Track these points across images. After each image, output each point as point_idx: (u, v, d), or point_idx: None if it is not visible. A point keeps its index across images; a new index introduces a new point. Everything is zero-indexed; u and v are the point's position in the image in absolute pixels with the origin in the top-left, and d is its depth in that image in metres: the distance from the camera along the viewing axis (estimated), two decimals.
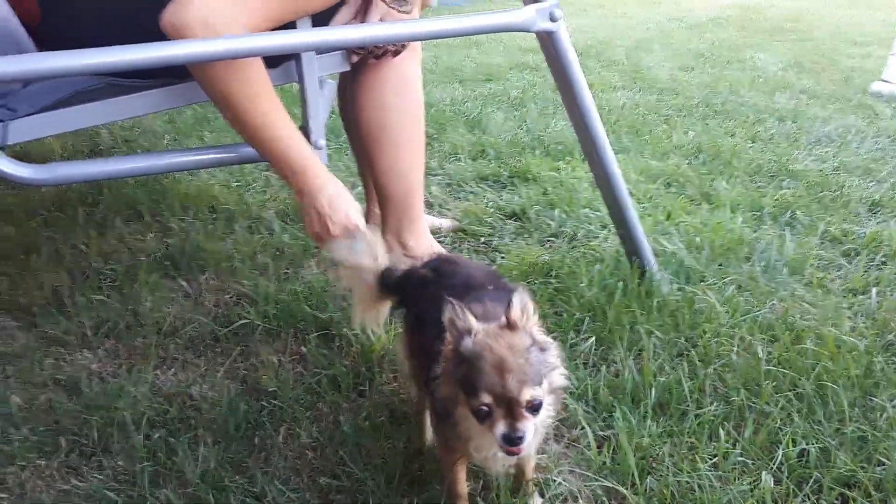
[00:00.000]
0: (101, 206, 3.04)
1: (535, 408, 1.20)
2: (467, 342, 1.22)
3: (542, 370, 1.22)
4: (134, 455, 1.67)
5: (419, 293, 1.60)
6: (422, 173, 2.44)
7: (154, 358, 2.05)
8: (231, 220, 2.89)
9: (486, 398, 1.18)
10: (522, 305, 1.25)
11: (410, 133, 2.37)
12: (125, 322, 2.21)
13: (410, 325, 1.64)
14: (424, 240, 2.49)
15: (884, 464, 1.59)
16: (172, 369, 2.02)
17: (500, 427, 1.18)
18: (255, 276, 2.43)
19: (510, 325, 1.25)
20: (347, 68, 2.22)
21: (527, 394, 1.18)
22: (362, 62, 2.23)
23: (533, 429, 1.20)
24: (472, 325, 1.23)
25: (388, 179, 2.37)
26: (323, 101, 2.08)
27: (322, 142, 2.05)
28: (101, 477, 1.63)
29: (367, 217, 2.86)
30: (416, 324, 1.62)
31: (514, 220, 2.94)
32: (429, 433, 1.70)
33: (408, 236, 2.44)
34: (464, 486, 1.49)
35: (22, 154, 3.39)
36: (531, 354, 1.22)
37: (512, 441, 1.18)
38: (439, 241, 2.63)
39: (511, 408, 1.17)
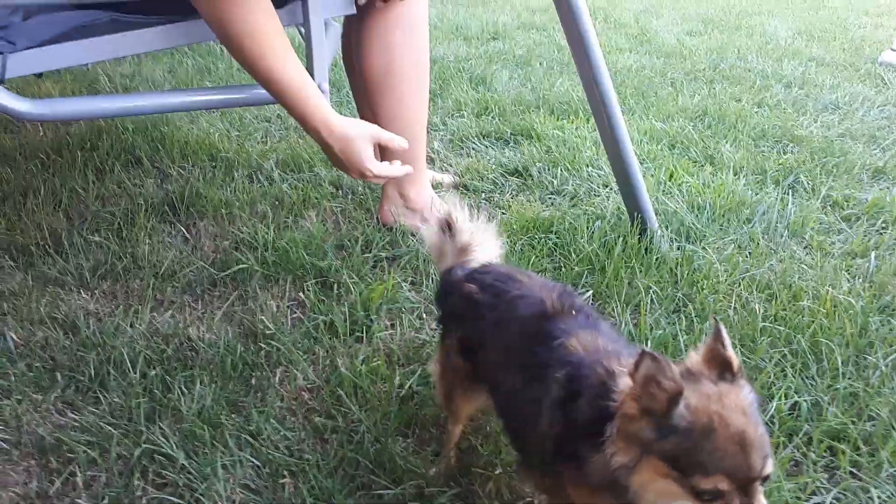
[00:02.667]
0: (99, 151, 3.01)
1: (767, 479, 1.00)
2: (682, 411, 0.96)
3: None
4: (130, 391, 1.68)
5: (470, 316, 1.40)
6: (425, 123, 2.42)
7: (151, 300, 2.06)
8: (230, 169, 2.87)
9: (723, 483, 0.95)
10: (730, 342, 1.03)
11: (415, 80, 2.33)
12: (123, 264, 2.21)
13: (457, 350, 1.44)
14: (425, 192, 2.48)
15: (874, 419, 1.60)
16: (170, 311, 2.02)
17: None
18: (254, 223, 2.43)
19: (728, 375, 1.02)
20: (353, 11, 2.18)
21: (769, 467, 0.98)
22: (370, 4, 2.19)
23: None
24: (682, 385, 0.97)
25: (391, 128, 2.34)
26: (327, 45, 2.05)
27: (325, 85, 2.02)
28: (97, 411, 1.64)
29: None
30: (464, 351, 1.42)
31: (516, 178, 2.92)
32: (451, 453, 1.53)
33: (409, 187, 2.42)
34: None
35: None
36: (758, 413, 1.01)
37: None
38: (440, 197, 2.61)
39: (748, 487, 0.97)
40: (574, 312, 1.27)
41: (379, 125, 2.39)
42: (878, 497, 1.42)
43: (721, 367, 1.02)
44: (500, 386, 1.33)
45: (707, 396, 0.97)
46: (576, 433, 1.10)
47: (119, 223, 2.44)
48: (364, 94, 2.42)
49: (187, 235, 2.39)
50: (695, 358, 1.06)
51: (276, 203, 2.60)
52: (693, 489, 0.96)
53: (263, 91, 1.81)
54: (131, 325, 1.93)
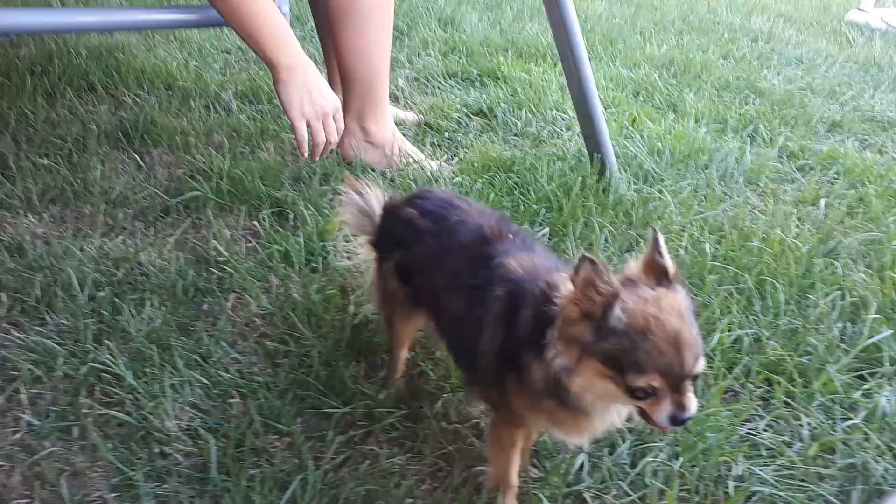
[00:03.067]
0: (50, 75, 2.90)
1: (697, 377, 1.03)
2: (618, 313, 0.99)
3: None
4: (78, 313, 1.66)
5: (409, 241, 1.40)
6: (387, 56, 2.37)
7: (101, 225, 2.01)
8: (187, 98, 2.79)
9: (656, 380, 0.99)
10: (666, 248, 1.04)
11: (380, 13, 2.28)
12: (73, 190, 2.15)
13: (395, 274, 1.44)
14: (387, 127, 2.45)
15: (810, 353, 1.66)
16: (121, 237, 1.98)
17: (666, 408, 1.01)
18: (210, 153, 2.38)
19: (665, 281, 1.04)
20: None
21: (700, 366, 1.02)
22: None
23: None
24: (618, 288, 1.00)
25: (353, 58, 2.30)
26: None
27: (286, 9, 1.97)
28: (43, 331, 1.62)
29: None
30: (403, 275, 1.42)
31: (480, 118, 2.91)
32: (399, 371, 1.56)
33: (370, 121, 2.39)
34: (516, 473, 1.28)
35: None
36: (693, 316, 1.03)
37: (681, 422, 1.02)
38: (402, 134, 2.58)
39: (679, 385, 1.00)
40: (511, 236, 1.30)
41: (339, 55, 2.34)
42: (808, 424, 1.48)
43: (658, 274, 1.04)
44: (444, 309, 1.35)
45: (644, 300, 1.00)
46: (517, 343, 1.12)
47: (70, 148, 2.37)
48: (327, 28, 2.37)
49: (141, 163, 2.34)
50: (633, 266, 1.08)
51: (234, 133, 2.55)
52: (628, 387, 1.00)
53: (214, 13, 1.76)
54: (81, 249, 1.89)
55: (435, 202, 1.42)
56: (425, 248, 1.37)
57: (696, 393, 1.03)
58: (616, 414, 1.15)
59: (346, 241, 1.81)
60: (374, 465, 1.35)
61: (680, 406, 1.00)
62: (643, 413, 1.05)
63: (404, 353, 1.55)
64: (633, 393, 1.00)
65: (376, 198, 1.60)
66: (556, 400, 1.09)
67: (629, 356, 0.99)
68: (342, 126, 2.02)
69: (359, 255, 1.73)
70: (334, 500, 1.27)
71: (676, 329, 0.98)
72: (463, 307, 1.26)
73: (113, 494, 1.28)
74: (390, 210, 1.50)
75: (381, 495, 1.29)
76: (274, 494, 1.27)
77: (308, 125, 1.93)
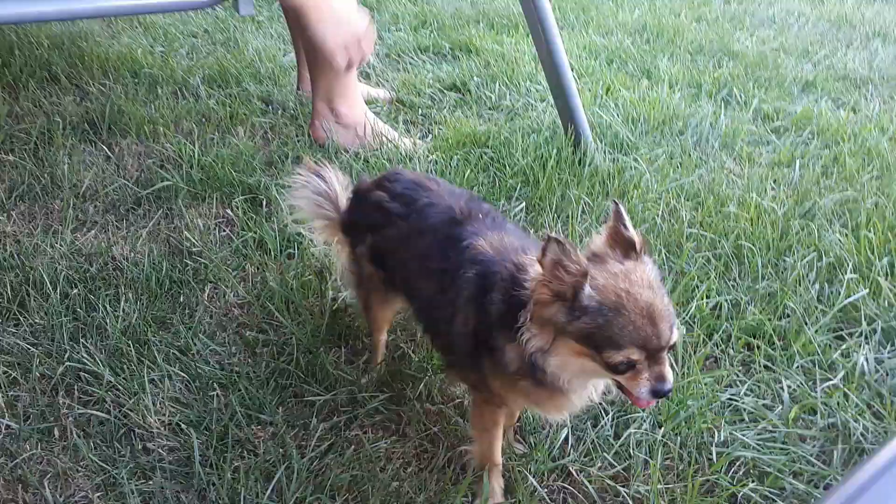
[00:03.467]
0: (12, 67, 2.82)
1: (673, 347, 1.03)
2: (589, 292, 0.98)
3: None
4: (52, 311, 1.63)
5: (381, 224, 1.38)
6: None
7: (72, 220, 1.97)
8: (154, 86, 2.73)
9: (635, 353, 0.98)
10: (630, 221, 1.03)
11: None
12: (41, 185, 2.11)
13: (370, 258, 1.43)
14: (358, 107, 2.41)
15: (788, 316, 1.67)
16: (92, 231, 1.95)
17: (646, 382, 1.00)
18: (180, 140, 2.33)
19: (633, 254, 1.03)
20: None
21: (675, 335, 1.01)
22: None
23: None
24: (587, 266, 0.98)
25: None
26: None
27: None
28: (16, 332, 1.59)
29: (299, 83, 2.75)
30: (377, 259, 1.41)
31: (454, 93, 2.87)
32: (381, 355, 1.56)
33: (340, 102, 2.35)
34: (500, 451, 1.28)
35: None
36: (663, 286, 1.02)
37: (662, 394, 1.02)
38: (374, 113, 2.55)
39: (656, 355, 1.00)
40: (481, 216, 1.28)
41: (307, 33, 2.29)
42: (789, 386, 1.49)
43: (624, 247, 1.04)
44: (417, 292, 1.34)
45: (614, 275, 1.00)
46: (490, 325, 1.12)
47: (35, 142, 2.31)
48: (294, 8, 2.31)
49: (109, 154, 2.29)
50: (598, 241, 1.07)
51: (203, 119, 2.50)
52: (607, 363, 1.00)
53: None
54: (51, 246, 1.86)
55: (404, 184, 1.40)
56: (396, 232, 1.35)
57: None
58: (593, 390, 1.15)
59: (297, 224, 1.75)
60: (359, 450, 1.35)
61: (659, 377, 1.01)
62: (622, 388, 1.05)
63: (384, 336, 1.55)
64: (612, 368, 1.00)
65: (337, 179, 1.56)
66: (532, 380, 1.08)
67: (605, 333, 0.98)
68: (374, 36, 2.05)
69: (316, 242, 1.70)
70: (320, 488, 1.27)
71: (649, 301, 0.98)
72: (435, 290, 1.25)
73: (97, 494, 1.27)
74: (360, 194, 1.48)
75: (367, 480, 1.29)
76: (259, 485, 1.27)
77: (347, 51, 1.99)
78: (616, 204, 1.05)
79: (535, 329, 1.03)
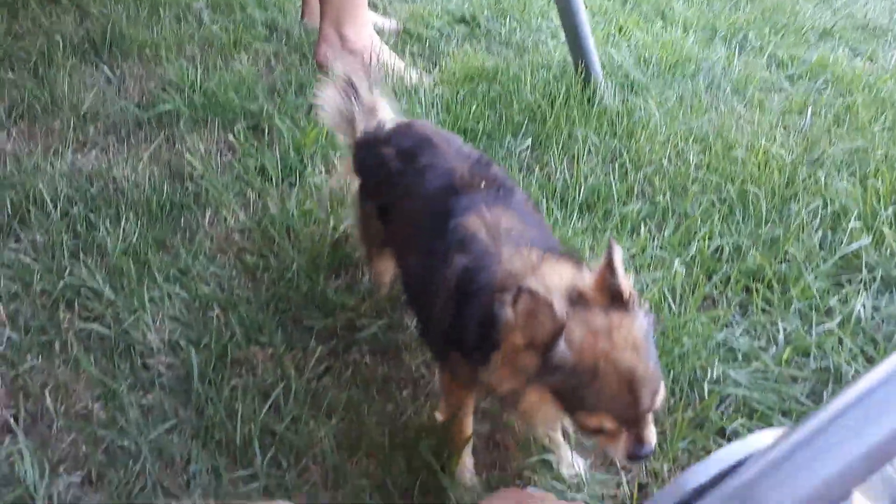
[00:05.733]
0: None
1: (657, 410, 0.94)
2: (563, 349, 0.88)
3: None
4: (52, 228, 1.63)
5: (385, 182, 1.31)
6: None
7: (73, 141, 1.96)
8: (156, 8, 2.67)
9: (609, 421, 0.90)
10: (623, 264, 0.92)
11: None
12: (41, 104, 2.08)
13: (376, 215, 1.36)
14: (365, 32, 2.35)
15: (789, 261, 1.67)
16: (93, 152, 1.93)
17: (622, 446, 0.93)
18: (182, 65, 2.29)
19: (620, 303, 0.92)
20: None
21: (658, 401, 0.92)
22: None
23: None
24: (562, 318, 0.87)
25: None
26: None
27: None
28: (17, 247, 1.59)
29: (304, 12, 2.68)
30: (382, 216, 1.34)
31: (464, 26, 2.81)
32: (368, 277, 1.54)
33: (347, 26, 2.29)
34: (470, 429, 1.21)
35: None
36: (651, 344, 0.92)
37: (639, 458, 0.94)
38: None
39: (637, 421, 0.92)
40: (485, 185, 1.17)
41: None
42: (784, 329, 1.50)
43: (613, 295, 0.93)
44: (405, 263, 1.28)
45: (594, 332, 0.89)
46: (465, 332, 1.04)
47: (35, 61, 2.27)
48: None
49: (110, 76, 2.25)
50: (588, 279, 0.96)
51: (206, 44, 2.45)
52: (579, 424, 0.93)
53: None
54: (52, 166, 1.84)
55: (413, 139, 1.31)
56: (395, 193, 1.28)
57: (656, 423, 0.96)
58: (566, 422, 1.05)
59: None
60: (356, 373, 1.37)
61: (638, 440, 0.92)
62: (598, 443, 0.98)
63: (388, 278, 1.53)
64: (584, 430, 0.93)
65: (364, 102, 1.47)
66: (500, 401, 1.03)
67: (577, 395, 0.89)
68: None
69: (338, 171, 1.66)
70: (316, 407, 1.29)
71: (630, 366, 0.88)
72: (421, 268, 1.18)
73: (97, 404, 1.29)
74: (370, 145, 1.39)
75: (363, 401, 1.31)
76: (257, 403, 1.29)
77: None
78: (611, 243, 0.94)
79: (507, 373, 0.94)
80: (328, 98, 1.50)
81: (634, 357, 0.89)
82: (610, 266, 0.92)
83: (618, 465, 1.23)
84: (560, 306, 0.88)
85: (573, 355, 0.88)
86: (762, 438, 0.49)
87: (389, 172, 1.29)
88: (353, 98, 1.48)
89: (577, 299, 0.93)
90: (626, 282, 0.93)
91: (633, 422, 0.91)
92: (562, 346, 0.88)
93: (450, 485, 1.16)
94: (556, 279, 0.96)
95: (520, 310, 0.89)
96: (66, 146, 1.92)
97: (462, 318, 1.04)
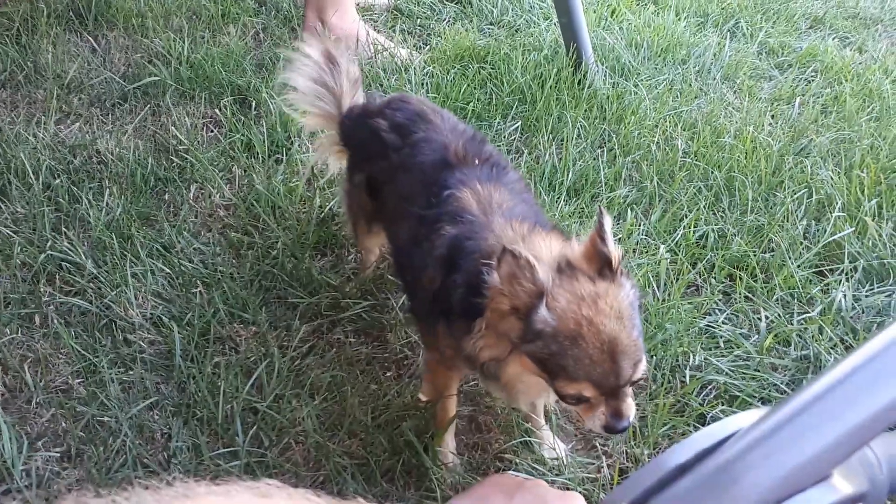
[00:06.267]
0: None
1: (637, 382, 0.93)
2: (543, 315, 0.88)
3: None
4: (34, 200, 1.61)
5: (377, 155, 1.30)
6: None
7: (56, 111, 1.92)
8: None
9: (588, 390, 0.90)
10: (612, 233, 0.90)
11: None
12: (24, 73, 2.04)
13: (365, 189, 1.36)
14: (349, 16, 2.31)
15: (773, 250, 1.68)
16: (77, 124, 1.90)
17: (601, 416, 0.92)
18: (169, 36, 2.25)
19: (606, 273, 0.91)
20: None
21: (640, 372, 0.92)
22: None
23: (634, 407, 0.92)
24: (543, 282, 0.87)
25: None
26: None
27: None
28: None
29: None
30: (371, 190, 1.34)
31: (455, 4, 2.77)
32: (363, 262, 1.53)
33: (329, 10, 2.25)
34: (454, 410, 1.21)
35: None
36: (636, 315, 0.91)
37: (616, 431, 0.94)
38: (372, 21, 2.46)
39: (616, 391, 0.92)
40: (478, 161, 1.17)
41: None
42: (767, 317, 1.52)
43: (600, 263, 0.93)
44: (395, 234, 1.28)
45: (578, 298, 0.89)
46: (450, 300, 1.04)
47: (18, 29, 2.23)
48: None
49: (95, 46, 2.21)
50: (577, 249, 0.96)
51: (194, 16, 2.41)
52: (559, 392, 0.93)
53: None
54: (34, 136, 1.82)
55: (406, 114, 1.30)
56: (388, 165, 1.27)
57: (634, 396, 0.95)
58: (547, 395, 1.07)
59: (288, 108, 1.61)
60: (340, 352, 1.36)
61: (616, 413, 0.92)
62: (578, 413, 0.98)
63: (374, 257, 1.53)
64: (563, 398, 0.93)
65: (347, 72, 1.45)
66: (482, 374, 1.03)
67: (557, 361, 0.89)
68: None
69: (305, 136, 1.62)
70: (299, 385, 1.29)
71: (613, 335, 0.88)
72: (410, 237, 1.17)
73: (77, 380, 1.28)
74: (361, 118, 1.38)
75: (346, 381, 1.31)
76: (239, 380, 1.29)
77: None
78: (600, 211, 0.94)
79: (490, 339, 0.94)
80: (302, 75, 1.47)
81: (618, 325, 0.89)
82: (600, 233, 0.93)
83: (598, 448, 1.25)
84: (543, 271, 0.89)
85: (556, 321, 0.88)
86: (744, 419, 0.49)
87: (383, 144, 1.29)
88: (333, 71, 1.46)
89: (564, 267, 0.93)
90: (615, 249, 0.93)
91: (612, 392, 0.92)
92: (543, 310, 0.88)
93: (432, 465, 1.17)
94: (545, 249, 0.97)
95: (503, 272, 0.89)
96: (49, 117, 1.89)
97: (450, 283, 1.04)
